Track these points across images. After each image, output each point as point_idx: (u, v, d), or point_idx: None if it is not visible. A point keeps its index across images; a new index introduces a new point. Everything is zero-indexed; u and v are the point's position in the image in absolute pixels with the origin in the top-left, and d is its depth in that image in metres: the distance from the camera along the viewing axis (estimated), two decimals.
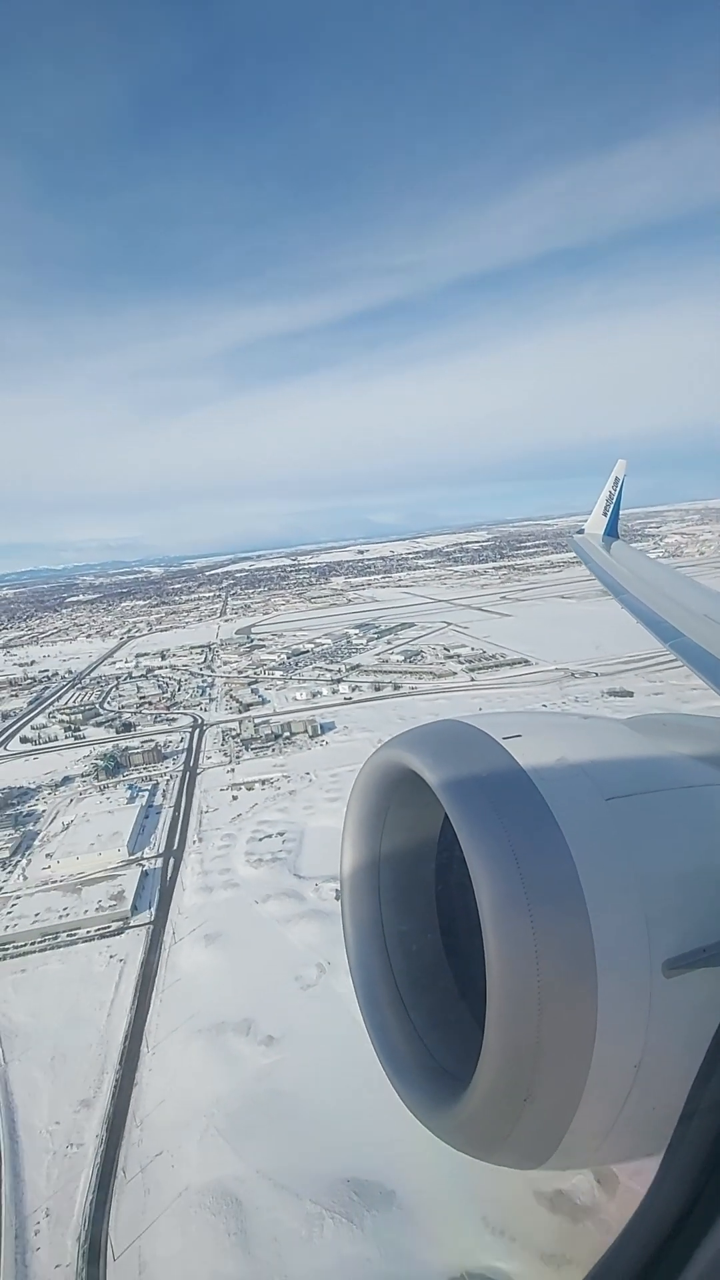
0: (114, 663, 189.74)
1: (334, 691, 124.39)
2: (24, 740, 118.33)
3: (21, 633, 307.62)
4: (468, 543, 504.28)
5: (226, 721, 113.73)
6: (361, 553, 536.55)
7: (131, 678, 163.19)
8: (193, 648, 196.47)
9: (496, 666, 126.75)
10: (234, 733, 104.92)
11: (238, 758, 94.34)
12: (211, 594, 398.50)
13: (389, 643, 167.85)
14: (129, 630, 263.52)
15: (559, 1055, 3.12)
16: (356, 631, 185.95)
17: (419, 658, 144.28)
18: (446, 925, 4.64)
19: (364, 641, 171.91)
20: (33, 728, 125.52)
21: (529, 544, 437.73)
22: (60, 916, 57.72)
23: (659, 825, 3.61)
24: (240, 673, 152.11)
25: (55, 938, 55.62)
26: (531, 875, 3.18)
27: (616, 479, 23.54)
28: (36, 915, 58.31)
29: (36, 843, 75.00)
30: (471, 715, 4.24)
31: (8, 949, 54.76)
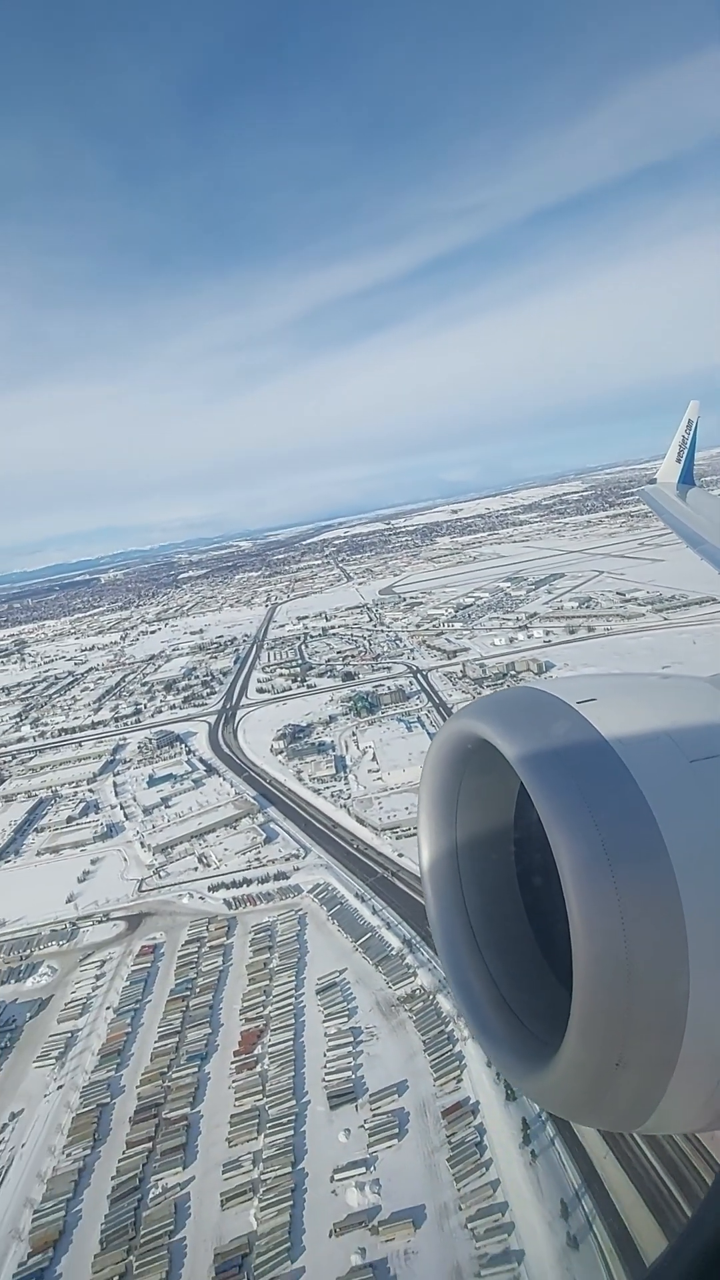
0: (281, 626, 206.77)
1: (529, 636, 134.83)
2: (260, 691, 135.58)
3: (160, 607, 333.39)
4: (565, 494, 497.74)
5: (442, 667, 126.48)
6: (455, 512, 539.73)
7: (311, 637, 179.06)
8: (349, 609, 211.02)
9: (684, 606, 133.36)
10: (460, 674, 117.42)
11: (479, 694, 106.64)
12: (319, 561, 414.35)
13: (549, 591, 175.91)
14: (268, 598, 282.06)
15: (651, 1019, 3.08)
16: (509, 584, 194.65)
17: (592, 603, 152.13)
18: (528, 893, 4.64)
19: (522, 593, 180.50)
20: (258, 680, 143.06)
21: (634, 490, 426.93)
22: None
23: None
24: (417, 626, 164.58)
25: None
26: (613, 838, 3.18)
27: (690, 422, 22.44)
28: (406, 808, 72.81)
29: (348, 762, 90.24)
30: (544, 680, 4.36)
31: (398, 830, 69.49)
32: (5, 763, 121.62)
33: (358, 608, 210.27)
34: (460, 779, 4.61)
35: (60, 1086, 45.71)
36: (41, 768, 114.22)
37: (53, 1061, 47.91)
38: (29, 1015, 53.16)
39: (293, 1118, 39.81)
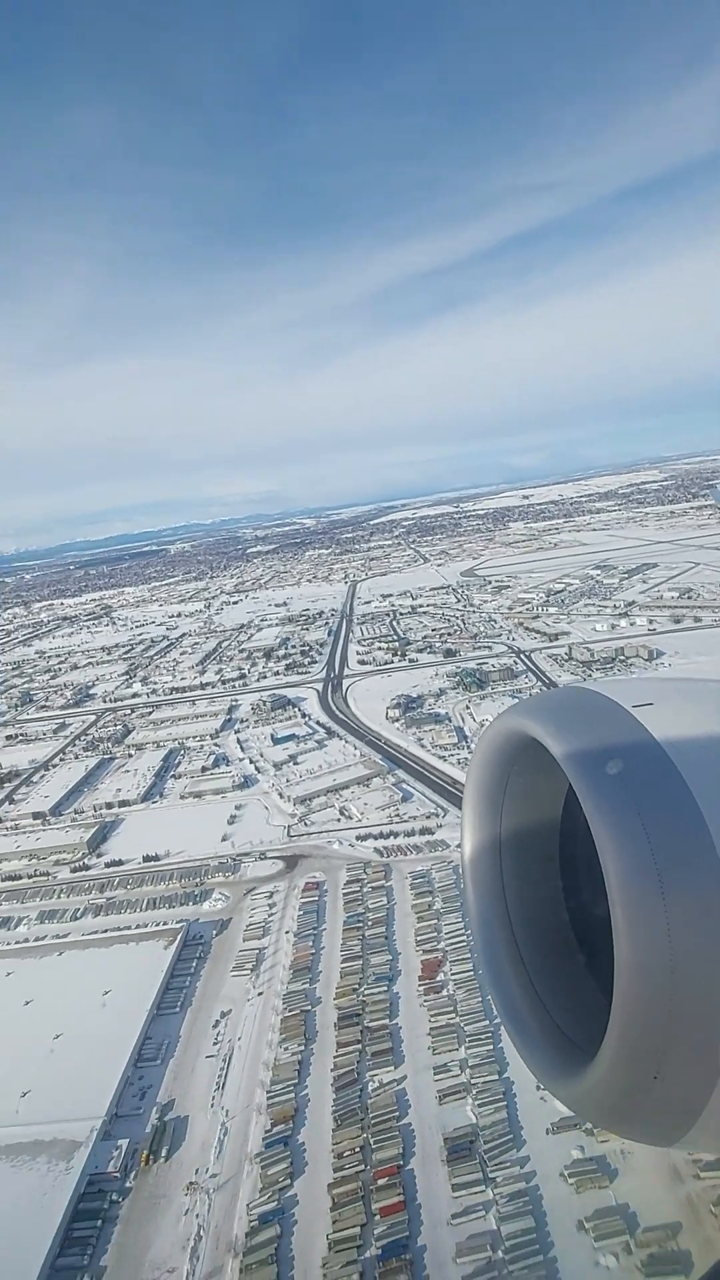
0: (366, 603, 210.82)
1: (631, 624, 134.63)
2: (361, 662, 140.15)
3: (236, 580, 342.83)
4: (642, 483, 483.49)
5: (544, 649, 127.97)
6: (526, 497, 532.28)
7: (401, 614, 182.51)
8: (433, 589, 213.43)
9: None
10: (566, 656, 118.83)
11: (588, 675, 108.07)
12: (390, 542, 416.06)
13: (643, 580, 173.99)
14: (346, 575, 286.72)
15: (693, 1032, 2.98)
16: (599, 572, 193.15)
17: (693, 594, 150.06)
18: (572, 895, 4.59)
19: (615, 581, 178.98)
20: (357, 652, 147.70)
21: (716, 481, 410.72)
22: None
23: None
24: (510, 609, 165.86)
25: None
26: (663, 847, 3.10)
27: None
28: None
29: (468, 733, 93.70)
30: (599, 681, 4.48)
31: None
32: (126, 715, 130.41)
33: (442, 588, 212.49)
34: (508, 776, 4.60)
35: (260, 994, 51.27)
36: (163, 722, 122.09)
37: (248, 972, 53.60)
38: (215, 933, 59.19)
39: (489, 1034, 43.97)
